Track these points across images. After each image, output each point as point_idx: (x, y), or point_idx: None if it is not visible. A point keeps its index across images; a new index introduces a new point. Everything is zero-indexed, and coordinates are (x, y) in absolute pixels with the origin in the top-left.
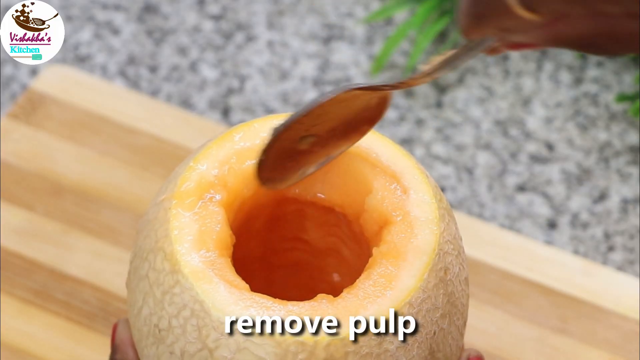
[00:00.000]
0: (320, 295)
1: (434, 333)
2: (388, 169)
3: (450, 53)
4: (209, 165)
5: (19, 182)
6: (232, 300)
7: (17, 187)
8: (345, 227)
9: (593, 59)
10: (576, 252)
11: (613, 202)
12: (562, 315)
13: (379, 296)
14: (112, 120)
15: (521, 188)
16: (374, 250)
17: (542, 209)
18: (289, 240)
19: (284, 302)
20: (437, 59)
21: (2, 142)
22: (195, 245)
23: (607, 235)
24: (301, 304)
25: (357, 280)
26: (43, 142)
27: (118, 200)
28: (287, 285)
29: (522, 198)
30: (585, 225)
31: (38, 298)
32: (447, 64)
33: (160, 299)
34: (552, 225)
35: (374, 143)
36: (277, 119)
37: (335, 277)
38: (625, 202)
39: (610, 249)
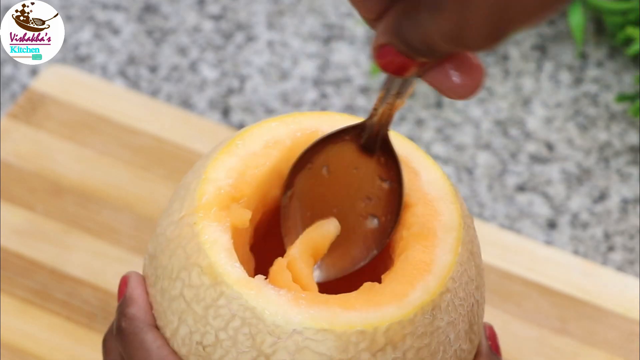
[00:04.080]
0: (366, 284)
1: (472, 305)
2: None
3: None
4: (221, 175)
5: (19, 182)
6: (284, 302)
7: (17, 187)
8: None
9: (593, 58)
10: (576, 252)
11: (613, 202)
12: (562, 315)
13: (422, 276)
14: (112, 120)
15: (521, 188)
16: (405, 233)
17: (542, 209)
18: None
19: (335, 296)
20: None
21: (2, 142)
22: (231, 254)
23: (607, 235)
24: (352, 294)
25: (396, 265)
26: (43, 142)
27: (118, 200)
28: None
29: (522, 198)
30: (585, 225)
31: (38, 298)
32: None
33: (203, 315)
34: (552, 225)
35: None
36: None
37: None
38: (625, 202)
39: (610, 249)
